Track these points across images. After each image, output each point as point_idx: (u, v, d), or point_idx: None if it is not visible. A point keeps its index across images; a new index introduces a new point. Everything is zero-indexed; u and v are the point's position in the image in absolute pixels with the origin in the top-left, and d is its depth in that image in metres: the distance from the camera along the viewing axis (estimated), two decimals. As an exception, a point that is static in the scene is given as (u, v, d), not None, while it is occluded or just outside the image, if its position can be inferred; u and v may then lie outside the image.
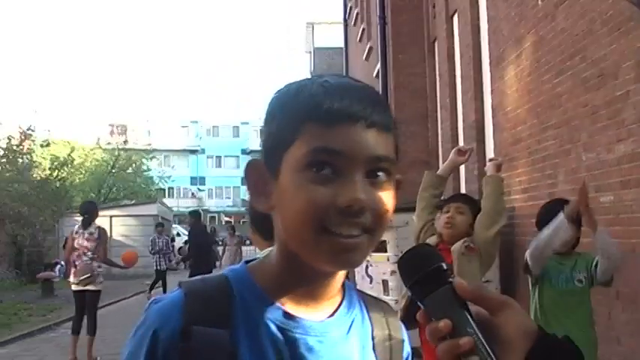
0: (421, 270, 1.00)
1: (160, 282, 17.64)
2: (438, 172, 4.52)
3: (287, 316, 1.08)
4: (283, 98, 1.09)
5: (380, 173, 1.04)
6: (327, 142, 1.01)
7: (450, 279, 1.00)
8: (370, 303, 1.21)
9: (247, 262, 1.17)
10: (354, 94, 1.03)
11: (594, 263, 4.34)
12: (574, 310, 4.43)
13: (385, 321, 1.20)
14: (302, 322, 1.08)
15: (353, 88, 1.05)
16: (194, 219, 16.44)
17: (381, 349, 1.17)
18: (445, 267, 1.01)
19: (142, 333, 1.06)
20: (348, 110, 1.01)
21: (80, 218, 10.35)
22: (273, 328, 1.07)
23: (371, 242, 1.04)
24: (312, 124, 1.02)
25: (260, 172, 1.09)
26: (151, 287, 17.66)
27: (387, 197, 1.04)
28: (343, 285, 1.15)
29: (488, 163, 4.55)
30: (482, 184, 4.39)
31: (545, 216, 4.46)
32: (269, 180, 1.07)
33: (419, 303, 1.00)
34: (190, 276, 9.62)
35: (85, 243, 9.79)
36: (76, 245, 9.88)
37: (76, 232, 9.99)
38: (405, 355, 1.23)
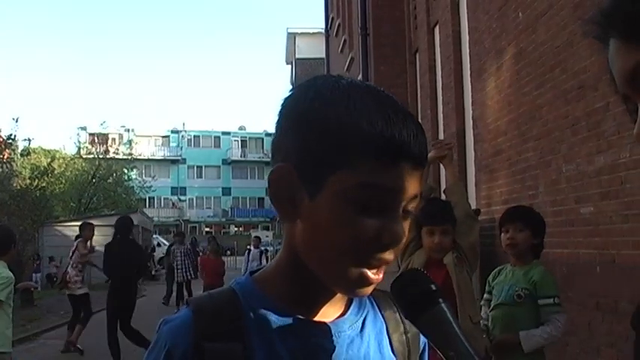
0: (411, 294, 1.03)
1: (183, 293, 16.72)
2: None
3: (299, 320, 1.08)
4: (329, 112, 1.00)
5: (412, 208, 1.04)
6: (380, 179, 0.98)
7: (440, 299, 1.02)
8: (381, 298, 1.20)
9: (252, 273, 1.16)
10: (411, 126, 0.99)
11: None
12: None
13: (398, 315, 1.19)
14: (314, 324, 1.09)
15: (407, 117, 1.01)
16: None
17: (398, 345, 1.17)
18: (434, 288, 1.03)
19: (156, 354, 1.06)
20: (406, 149, 0.98)
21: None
22: (286, 334, 1.07)
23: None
24: (367, 155, 0.97)
25: (289, 179, 1.03)
26: (177, 301, 17.09)
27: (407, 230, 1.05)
28: None
29: (446, 162, 4.58)
30: (447, 194, 4.53)
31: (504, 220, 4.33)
32: (299, 189, 1.02)
33: (414, 325, 1.04)
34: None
35: (70, 253, 10.96)
36: None
37: None
38: (421, 345, 1.22)
